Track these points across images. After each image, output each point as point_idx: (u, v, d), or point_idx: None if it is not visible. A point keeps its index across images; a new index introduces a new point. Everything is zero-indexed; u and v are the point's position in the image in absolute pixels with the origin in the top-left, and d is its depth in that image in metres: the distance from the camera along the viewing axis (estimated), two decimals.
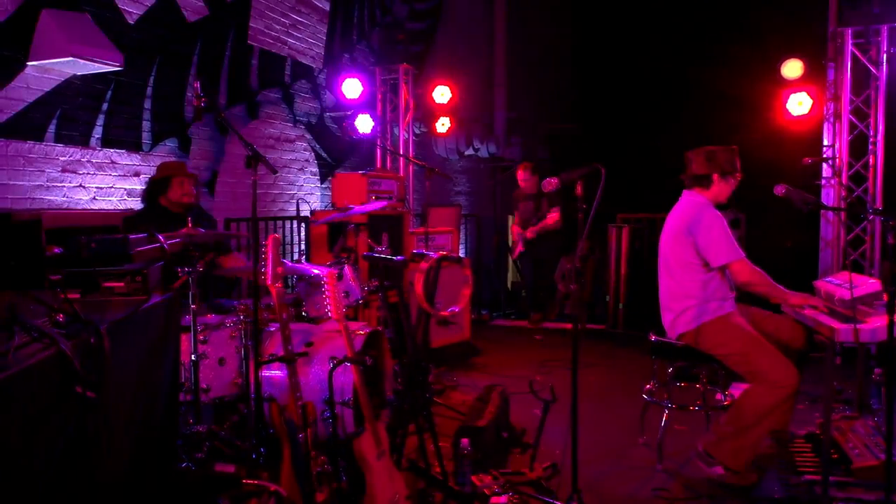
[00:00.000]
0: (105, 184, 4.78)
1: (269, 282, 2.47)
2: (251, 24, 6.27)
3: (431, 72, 8.78)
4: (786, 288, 3.24)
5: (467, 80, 8.61)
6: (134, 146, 5.00)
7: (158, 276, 2.16)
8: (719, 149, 3.36)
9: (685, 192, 3.47)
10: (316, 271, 2.87)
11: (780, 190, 3.08)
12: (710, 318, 3.23)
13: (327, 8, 7.49)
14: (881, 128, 5.67)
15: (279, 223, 6.23)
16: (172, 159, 5.16)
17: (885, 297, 2.94)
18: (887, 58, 5.54)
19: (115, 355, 1.58)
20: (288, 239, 6.22)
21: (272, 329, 3.25)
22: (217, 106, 2.80)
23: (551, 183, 2.59)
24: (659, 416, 3.46)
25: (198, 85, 2.79)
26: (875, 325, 2.76)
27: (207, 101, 2.79)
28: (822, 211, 6.04)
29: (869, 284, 3.00)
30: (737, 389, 3.43)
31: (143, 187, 4.03)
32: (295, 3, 6.91)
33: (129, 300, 2.01)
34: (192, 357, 2.87)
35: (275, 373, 3.13)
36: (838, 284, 3.15)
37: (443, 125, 7.56)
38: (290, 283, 5.09)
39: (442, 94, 7.23)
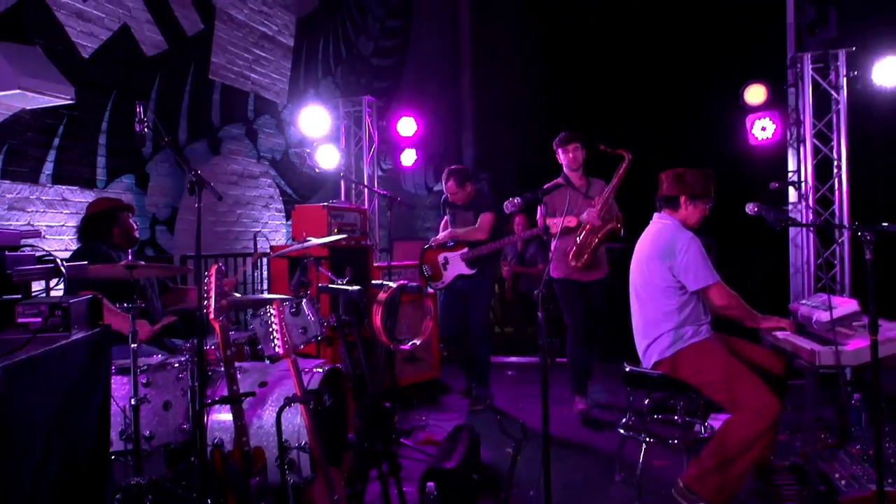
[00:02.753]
0: (56, 222, 4.55)
1: (211, 316, 2.27)
2: (213, 59, 6.15)
3: (398, 105, 8.73)
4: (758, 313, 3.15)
5: (435, 115, 8.58)
6: (87, 183, 4.79)
7: (84, 311, 1.95)
8: (690, 171, 3.28)
9: (655, 215, 3.38)
10: (266, 302, 2.68)
11: (751, 208, 2.99)
12: (687, 344, 3.10)
13: (291, 44, 7.42)
14: (845, 151, 5.68)
15: (240, 260, 6.02)
16: (129, 196, 4.98)
17: (865, 318, 2.84)
18: (847, 81, 5.58)
19: (15, 400, 1.38)
20: (249, 278, 6.01)
21: (223, 369, 3.03)
22: (160, 128, 2.63)
23: (514, 203, 2.44)
24: (637, 451, 3.29)
25: (140, 109, 2.62)
26: (856, 346, 2.65)
27: (150, 125, 2.62)
28: (791, 236, 6.02)
29: (847, 305, 2.90)
30: (716, 420, 3.29)
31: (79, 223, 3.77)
32: (258, 39, 6.83)
33: (47, 337, 1.80)
34: (132, 401, 2.64)
35: (227, 416, 2.91)
36: (815, 306, 3.05)
37: (408, 157, 7.45)
38: (244, 321, 4.87)
39: (407, 125, 7.15)
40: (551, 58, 9.59)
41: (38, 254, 1.99)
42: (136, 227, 3.65)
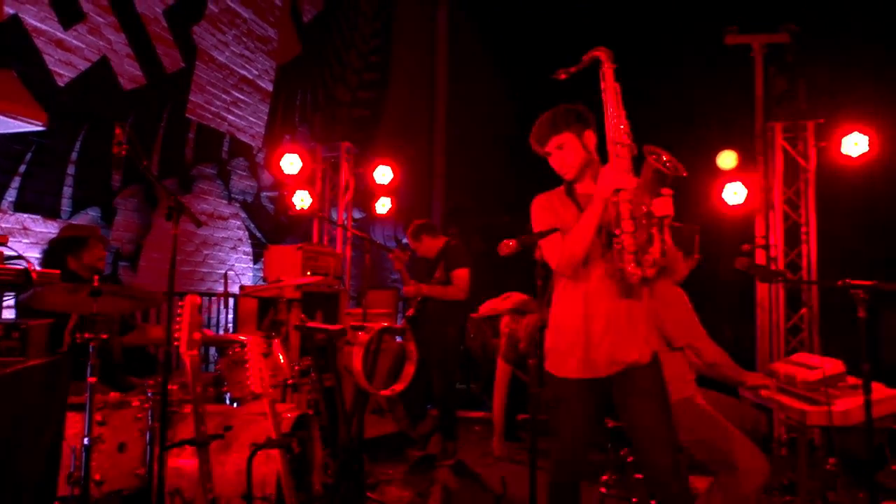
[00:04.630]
0: (13, 251, 4.33)
1: (182, 349, 2.12)
2: (191, 98, 6.08)
3: (373, 154, 8.74)
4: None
5: (408, 168, 8.59)
6: (51, 213, 4.60)
7: (44, 336, 1.79)
8: (679, 226, 3.27)
9: None
10: (241, 339, 2.52)
11: (742, 263, 2.98)
12: (672, 400, 3.02)
13: (270, 88, 7.41)
14: (812, 218, 5.83)
15: (204, 300, 5.81)
16: None
17: (849, 379, 2.81)
18: (816, 151, 5.76)
19: None
20: (214, 319, 5.79)
21: (186, 411, 2.83)
22: (139, 152, 2.52)
23: (509, 246, 2.34)
24: None
25: (119, 131, 2.52)
26: (846, 407, 2.60)
27: (129, 149, 2.51)
28: (758, 300, 6.08)
29: (832, 365, 2.87)
30: (700, 481, 3.18)
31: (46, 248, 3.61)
32: (237, 81, 6.80)
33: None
34: (85, 441, 2.43)
35: (186, 462, 2.70)
36: (799, 365, 3.01)
37: (383, 206, 7.39)
38: (209, 359, 4.65)
39: (383, 174, 7.12)
40: (522, 118, 9.75)
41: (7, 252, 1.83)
42: (104, 258, 3.48)
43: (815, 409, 2.62)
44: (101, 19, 4.97)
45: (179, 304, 2.25)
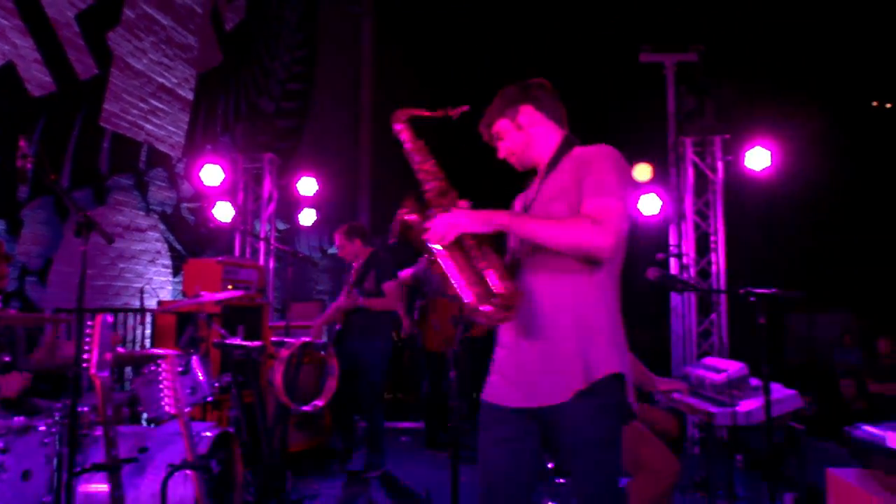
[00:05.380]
0: None
1: (92, 370, 2.05)
2: (105, 106, 5.86)
3: (297, 165, 8.64)
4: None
5: (333, 180, 8.55)
6: None
7: None
8: None
9: None
10: (156, 356, 2.45)
11: (652, 273, 3.13)
12: None
13: (190, 97, 7.22)
14: (720, 228, 6.16)
15: (120, 316, 5.58)
16: None
17: (752, 380, 2.99)
18: (723, 165, 6.11)
19: None
20: (129, 336, 5.57)
21: (98, 434, 2.72)
22: (45, 165, 2.42)
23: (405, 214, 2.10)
24: None
25: (23, 143, 2.41)
26: (749, 407, 2.77)
27: (35, 162, 2.40)
28: (672, 305, 6.37)
29: (737, 369, 3.05)
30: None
31: None
32: (156, 89, 6.60)
33: None
34: None
35: (98, 487, 2.60)
36: (708, 369, 3.18)
37: (308, 217, 7.32)
38: (125, 377, 4.48)
39: (307, 185, 7.05)
40: (446, 130, 9.85)
41: None
42: (7, 275, 3.31)
43: (721, 411, 2.78)
44: (5, 22, 4.73)
45: (90, 323, 2.17)
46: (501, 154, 2.28)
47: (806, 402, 5.62)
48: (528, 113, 2.20)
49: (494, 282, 1.85)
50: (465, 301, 1.86)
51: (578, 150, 2.11)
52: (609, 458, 1.88)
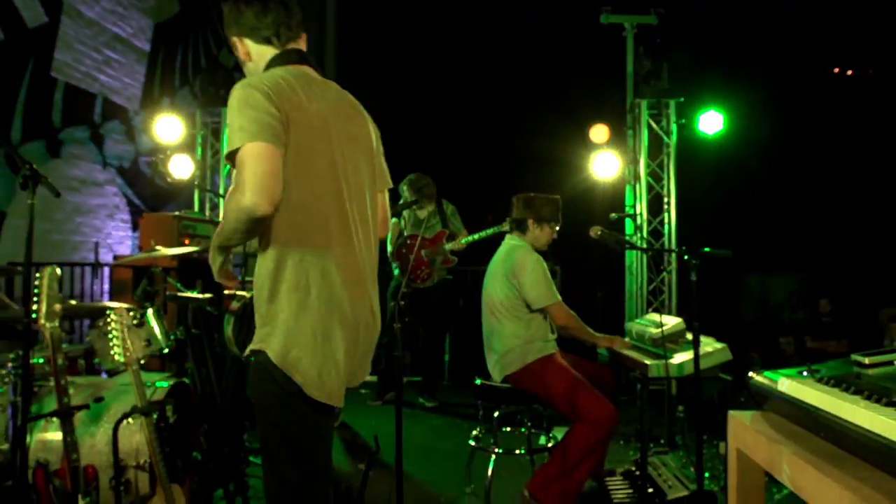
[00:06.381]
0: None
1: (41, 321, 2.09)
2: (56, 56, 5.71)
3: None
4: (594, 331, 3.41)
5: None
6: None
7: None
8: (540, 196, 3.52)
9: (507, 236, 3.58)
10: (106, 308, 2.49)
11: (595, 232, 3.25)
12: (535, 357, 3.28)
13: (147, 48, 7.06)
14: (673, 189, 6.33)
15: (76, 270, 5.56)
16: None
17: (689, 335, 3.16)
18: (676, 128, 6.24)
19: None
20: (87, 291, 5.56)
21: (52, 383, 2.77)
22: None
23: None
24: (486, 463, 3.40)
25: None
26: (681, 360, 2.94)
27: None
28: (627, 264, 6.57)
29: (673, 323, 3.21)
30: (560, 432, 3.48)
31: None
32: (109, 39, 6.43)
33: None
34: None
35: (54, 434, 2.66)
36: (647, 324, 3.34)
37: None
38: (79, 332, 4.50)
39: None
40: (409, 96, 9.68)
41: None
42: None
43: (655, 363, 2.94)
44: None
45: (38, 275, 2.21)
46: None
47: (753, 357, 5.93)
48: (243, 44, 1.88)
49: None
50: None
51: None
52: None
